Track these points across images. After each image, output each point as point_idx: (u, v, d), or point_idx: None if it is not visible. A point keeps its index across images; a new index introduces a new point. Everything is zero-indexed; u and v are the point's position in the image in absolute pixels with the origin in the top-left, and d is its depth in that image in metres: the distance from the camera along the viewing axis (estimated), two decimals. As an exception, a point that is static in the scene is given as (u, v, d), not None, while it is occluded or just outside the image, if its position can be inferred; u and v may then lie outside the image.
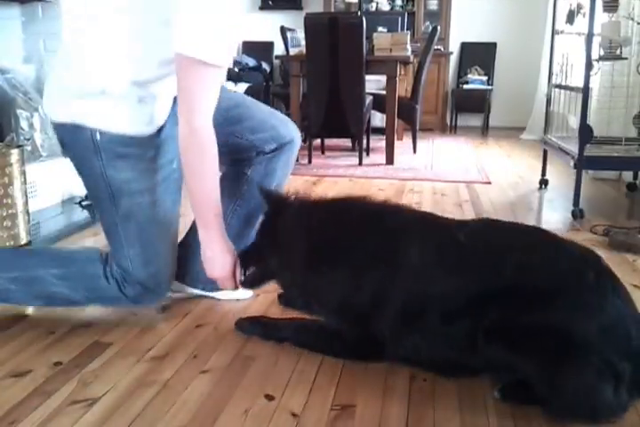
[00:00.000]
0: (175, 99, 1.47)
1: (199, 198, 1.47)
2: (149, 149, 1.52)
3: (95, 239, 2.30)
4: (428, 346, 1.30)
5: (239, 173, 1.73)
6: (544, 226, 2.68)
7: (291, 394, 1.27)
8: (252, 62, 6.75)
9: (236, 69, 6.66)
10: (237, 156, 1.71)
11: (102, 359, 1.41)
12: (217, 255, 1.50)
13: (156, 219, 1.53)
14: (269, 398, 1.26)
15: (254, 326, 1.57)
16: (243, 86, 6.63)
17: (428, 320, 1.28)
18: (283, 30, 5.35)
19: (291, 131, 1.74)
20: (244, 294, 1.77)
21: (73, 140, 1.49)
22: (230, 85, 6.68)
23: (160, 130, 1.53)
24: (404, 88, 4.98)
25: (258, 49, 7.00)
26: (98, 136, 1.44)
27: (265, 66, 6.38)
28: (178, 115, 1.41)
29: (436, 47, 5.18)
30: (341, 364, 1.40)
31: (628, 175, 3.62)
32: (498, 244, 1.30)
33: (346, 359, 1.41)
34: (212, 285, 1.64)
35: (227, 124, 1.61)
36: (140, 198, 1.50)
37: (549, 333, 1.15)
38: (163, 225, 1.55)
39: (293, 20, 5.81)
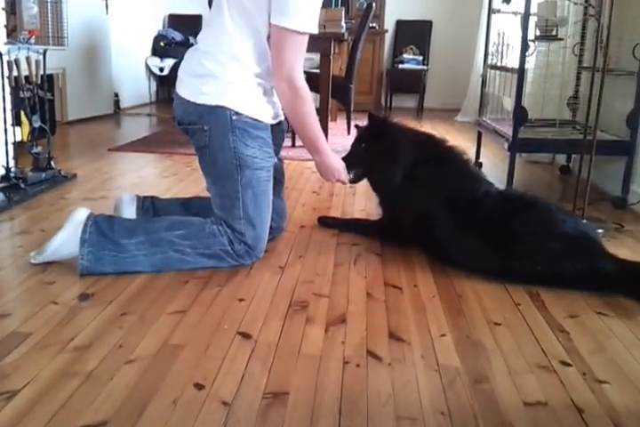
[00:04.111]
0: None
1: (310, 135, 1.93)
2: (270, 138, 1.89)
3: (12, 223, 2.19)
4: None
5: None
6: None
7: (221, 382, 1.24)
8: (178, 37, 6.50)
9: (162, 44, 6.41)
10: None
11: (21, 350, 1.34)
12: (333, 161, 2.01)
13: (267, 193, 1.89)
14: (199, 387, 1.22)
15: (332, 222, 2.38)
16: (169, 62, 6.39)
17: None
18: (210, 2, 5.18)
19: (281, 224, 2.18)
20: None
21: (213, 118, 1.79)
22: (156, 61, 6.45)
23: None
24: (337, 67, 4.93)
25: (185, 22, 6.76)
26: (234, 117, 1.78)
27: (192, 40, 6.13)
28: (276, 80, 1.78)
29: (371, 25, 5.14)
30: (274, 350, 1.38)
31: (561, 158, 3.70)
32: None
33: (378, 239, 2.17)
34: None
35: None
36: (260, 173, 1.85)
37: None
38: (269, 199, 1.91)
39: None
